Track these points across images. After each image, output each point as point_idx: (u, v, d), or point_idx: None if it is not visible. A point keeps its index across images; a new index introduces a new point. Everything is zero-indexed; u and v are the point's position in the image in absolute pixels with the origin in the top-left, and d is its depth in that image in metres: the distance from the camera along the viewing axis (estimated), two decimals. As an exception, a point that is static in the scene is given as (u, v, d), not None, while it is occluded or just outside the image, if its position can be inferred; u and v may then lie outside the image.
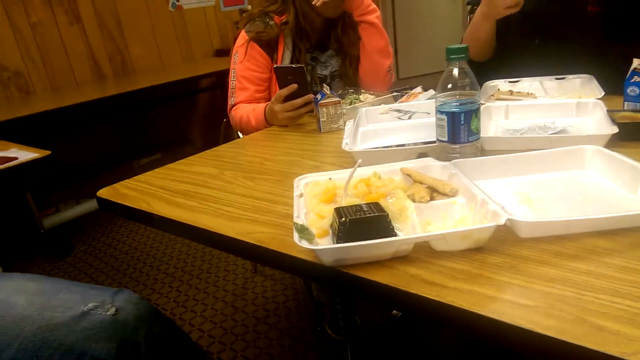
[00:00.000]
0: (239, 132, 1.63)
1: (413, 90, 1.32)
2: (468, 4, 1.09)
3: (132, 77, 3.26)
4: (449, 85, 0.78)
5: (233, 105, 1.53)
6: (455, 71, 0.77)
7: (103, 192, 0.94)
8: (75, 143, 3.13)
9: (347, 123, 1.10)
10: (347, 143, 0.91)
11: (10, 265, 2.44)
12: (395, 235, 0.57)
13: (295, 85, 1.25)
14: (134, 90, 2.70)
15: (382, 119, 0.93)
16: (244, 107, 1.48)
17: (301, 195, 0.71)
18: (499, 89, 1.24)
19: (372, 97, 1.44)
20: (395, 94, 1.41)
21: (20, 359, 0.65)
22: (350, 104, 1.44)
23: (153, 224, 0.83)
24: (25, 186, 2.57)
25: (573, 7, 1.27)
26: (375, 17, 1.48)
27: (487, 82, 1.27)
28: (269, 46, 1.47)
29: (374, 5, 1.48)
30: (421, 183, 0.71)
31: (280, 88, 1.27)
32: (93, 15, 3.16)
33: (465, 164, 0.76)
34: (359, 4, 1.45)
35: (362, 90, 1.49)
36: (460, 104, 0.76)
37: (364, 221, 0.56)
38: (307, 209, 0.67)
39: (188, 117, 3.73)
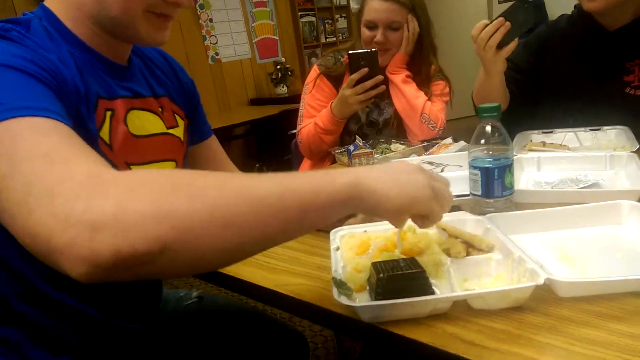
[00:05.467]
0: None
1: (444, 141, 1.34)
2: (498, 47, 1.12)
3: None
4: (482, 141, 0.80)
5: (299, 131, 1.63)
6: (488, 128, 0.79)
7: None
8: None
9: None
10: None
11: None
12: (433, 292, 0.58)
13: (366, 69, 1.32)
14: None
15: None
16: (310, 125, 1.58)
17: (338, 248, 0.73)
18: (531, 140, 1.24)
19: (403, 147, 1.48)
20: (425, 144, 1.44)
21: None
22: (382, 154, 1.48)
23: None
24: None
25: (611, 86, 1.27)
26: (399, 78, 1.55)
27: (520, 133, 1.29)
28: (336, 80, 1.57)
29: (403, 68, 1.56)
30: (456, 238, 0.72)
31: (351, 74, 1.34)
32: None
33: (500, 218, 0.76)
34: (391, 62, 1.54)
35: (393, 140, 1.53)
36: (493, 160, 0.78)
37: (401, 278, 0.58)
38: (344, 262, 0.69)
39: (222, 163, 3.86)
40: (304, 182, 0.49)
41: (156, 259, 0.40)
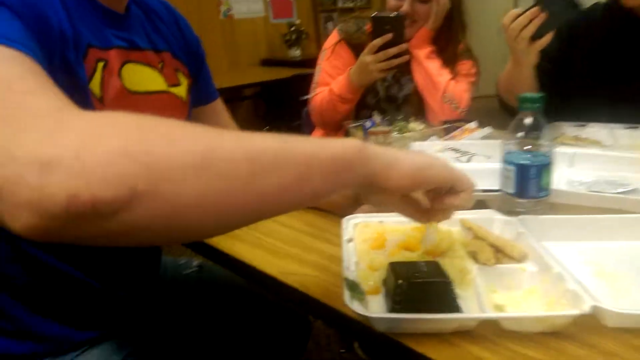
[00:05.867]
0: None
1: (467, 125, 1.25)
2: (533, 39, 1.02)
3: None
4: (520, 134, 0.71)
5: (312, 98, 1.53)
6: (528, 120, 0.70)
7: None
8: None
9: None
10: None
11: None
12: (458, 307, 0.51)
13: (389, 35, 1.21)
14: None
15: (438, 159, 0.87)
16: (324, 91, 1.48)
17: (350, 240, 0.66)
18: (563, 133, 1.15)
19: (422, 126, 1.38)
20: (446, 125, 1.35)
21: None
22: (399, 131, 1.38)
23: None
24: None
25: None
26: (423, 53, 1.44)
27: (552, 124, 1.19)
28: (356, 48, 1.44)
29: (428, 43, 1.45)
30: (483, 240, 0.64)
31: (373, 39, 1.24)
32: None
33: (533, 221, 0.69)
34: (416, 36, 1.43)
35: (412, 118, 1.43)
36: (531, 156, 0.70)
37: (423, 286, 0.51)
38: (358, 257, 0.61)
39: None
40: (305, 141, 0.42)
41: (122, 210, 0.31)
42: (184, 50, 0.81)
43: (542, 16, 0.98)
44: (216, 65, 3.69)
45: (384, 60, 1.24)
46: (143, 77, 0.70)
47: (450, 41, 1.46)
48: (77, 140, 0.32)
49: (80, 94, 0.60)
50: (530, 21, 0.99)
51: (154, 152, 0.33)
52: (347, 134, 1.47)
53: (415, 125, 1.39)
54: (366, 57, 1.26)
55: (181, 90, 0.78)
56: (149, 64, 0.72)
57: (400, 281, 0.51)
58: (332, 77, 1.49)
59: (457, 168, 0.51)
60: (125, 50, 0.68)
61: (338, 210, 0.75)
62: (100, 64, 0.63)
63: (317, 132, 1.64)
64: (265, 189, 0.37)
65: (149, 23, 0.76)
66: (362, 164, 0.44)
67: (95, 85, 0.62)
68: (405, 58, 1.25)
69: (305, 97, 1.62)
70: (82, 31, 0.61)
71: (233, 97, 3.59)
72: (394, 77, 1.52)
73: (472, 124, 1.25)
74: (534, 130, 0.70)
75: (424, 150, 0.51)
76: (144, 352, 0.74)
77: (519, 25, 1.00)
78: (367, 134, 1.14)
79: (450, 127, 1.32)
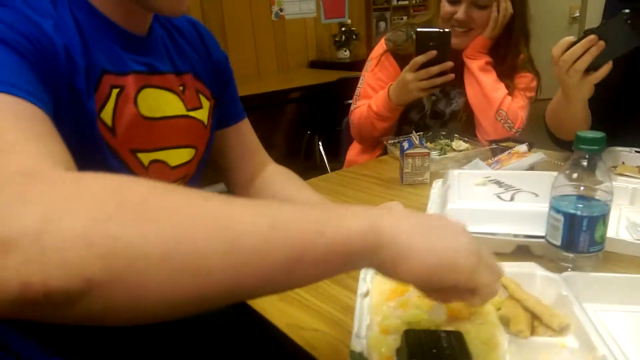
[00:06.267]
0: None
1: (516, 148, 1.14)
2: (587, 70, 0.89)
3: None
4: (574, 176, 0.62)
5: (353, 111, 1.47)
6: (585, 163, 0.61)
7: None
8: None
9: (433, 184, 0.96)
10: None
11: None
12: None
13: (433, 52, 1.13)
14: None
15: (477, 194, 0.79)
16: (363, 106, 1.41)
17: (367, 294, 0.60)
18: (623, 162, 1.02)
19: (467, 145, 1.29)
20: (494, 146, 1.24)
21: None
22: (441, 150, 1.30)
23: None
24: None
25: None
26: (477, 64, 1.32)
27: (607, 149, 1.05)
28: (404, 60, 1.34)
29: (484, 54, 1.33)
30: (519, 301, 0.57)
31: (417, 55, 1.16)
32: (200, 16, 3.29)
33: (580, 280, 0.60)
34: (471, 45, 1.32)
35: (456, 136, 1.34)
36: (585, 205, 0.61)
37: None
38: (371, 316, 0.56)
39: (275, 126, 3.76)
40: (301, 219, 0.35)
41: (76, 302, 0.29)
42: (208, 69, 0.78)
43: (600, 45, 0.84)
44: (266, 68, 3.71)
45: (426, 79, 1.15)
46: (161, 102, 0.68)
47: (509, 52, 1.33)
48: (39, 218, 0.29)
49: (89, 125, 0.58)
50: (586, 51, 0.85)
51: (117, 237, 0.29)
52: (385, 150, 1.40)
53: (460, 144, 1.30)
54: (407, 74, 1.18)
55: (202, 114, 0.75)
56: (168, 88, 0.69)
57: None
58: (375, 90, 1.41)
59: (484, 274, 0.42)
60: (144, 74, 0.66)
61: None
62: (115, 91, 0.61)
63: (355, 146, 1.57)
64: (245, 283, 0.33)
65: (171, 43, 0.73)
66: (367, 256, 0.37)
67: (107, 114, 0.60)
68: (449, 77, 1.15)
69: (349, 101, 1.56)
70: (97, 57, 0.59)
71: (280, 101, 3.59)
72: (443, 90, 1.42)
73: (522, 147, 1.14)
74: (590, 175, 0.60)
75: (455, 228, 0.40)
76: None
77: (572, 56, 0.87)
78: (403, 155, 1.07)
79: (497, 148, 1.22)
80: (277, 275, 0.34)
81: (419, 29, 1.18)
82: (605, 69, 0.87)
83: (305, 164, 3.47)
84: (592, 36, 0.85)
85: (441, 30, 1.15)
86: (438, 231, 0.40)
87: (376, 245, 0.37)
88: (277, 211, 0.35)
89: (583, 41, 0.86)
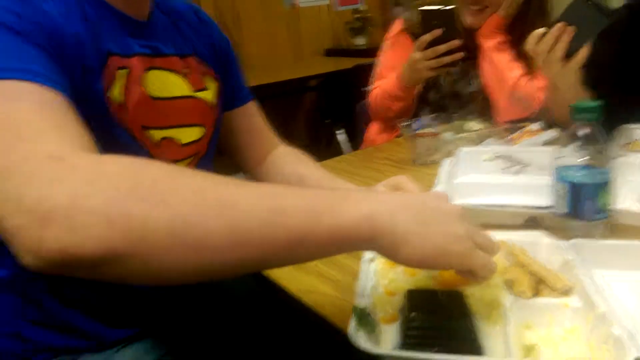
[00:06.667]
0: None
1: (530, 127, 1.14)
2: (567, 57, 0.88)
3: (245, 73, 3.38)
4: (575, 145, 0.63)
5: (370, 92, 1.48)
6: (582, 132, 0.62)
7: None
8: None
9: (442, 162, 0.98)
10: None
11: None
12: (479, 347, 0.46)
13: (439, 31, 1.13)
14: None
15: (485, 169, 0.80)
16: (379, 86, 1.42)
17: (372, 259, 0.62)
18: (636, 139, 1.01)
19: (480, 127, 1.29)
20: (508, 126, 1.24)
21: None
22: (455, 131, 1.30)
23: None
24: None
25: None
26: (491, 43, 1.31)
27: (622, 127, 1.04)
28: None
29: (500, 33, 1.31)
30: (524, 267, 0.58)
31: (422, 34, 1.16)
32: (212, 10, 3.32)
33: (587, 247, 0.61)
34: (485, 24, 1.30)
35: (469, 117, 1.34)
36: (586, 173, 0.61)
37: (438, 328, 0.46)
38: (377, 278, 0.58)
39: (293, 114, 3.78)
40: (301, 204, 0.39)
41: (106, 265, 0.36)
42: (211, 53, 0.81)
43: (570, 30, 0.85)
44: (281, 57, 3.72)
45: (434, 58, 1.15)
46: (167, 83, 0.70)
47: (526, 30, 1.31)
48: (69, 198, 0.36)
49: (96, 104, 0.62)
50: (558, 39, 0.86)
51: (132, 215, 0.35)
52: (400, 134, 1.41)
53: (473, 125, 1.30)
54: (415, 54, 1.18)
55: (208, 95, 0.78)
56: (173, 70, 0.72)
57: (413, 314, 0.47)
58: (391, 70, 1.40)
59: (477, 257, 0.44)
60: (149, 57, 0.68)
61: None
62: (123, 72, 0.64)
63: (374, 126, 1.57)
64: (250, 260, 0.38)
65: (174, 27, 0.76)
66: (365, 241, 0.41)
67: (117, 92, 0.63)
68: (457, 56, 1.15)
69: (366, 88, 1.56)
70: (103, 40, 0.62)
71: (297, 90, 3.60)
72: (463, 71, 1.40)
73: (535, 125, 1.14)
74: (590, 144, 0.61)
75: (453, 218, 0.43)
76: (180, 352, 0.75)
77: (545, 46, 0.88)
78: (414, 136, 1.08)
79: (512, 127, 1.22)
80: (280, 253, 0.38)
81: (421, 7, 1.17)
82: (583, 52, 0.88)
83: (326, 152, 3.49)
84: (560, 24, 0.86)
85: (444, 8, 1.14)
86: (432, 216, 0.43)
87: (372, 234, 0.40)
88: (279, 196, 0.39)
89: (552, 30, 0.87)
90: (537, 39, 0.89)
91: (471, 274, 0.45)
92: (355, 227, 0.40)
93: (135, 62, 0.66)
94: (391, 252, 0.42)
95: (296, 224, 0.38)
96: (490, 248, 0.47)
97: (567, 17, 0.86)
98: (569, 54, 0.88)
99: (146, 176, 0.38)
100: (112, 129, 0.64)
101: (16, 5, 0.52)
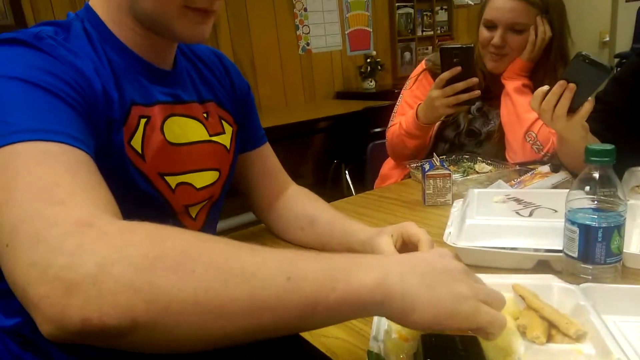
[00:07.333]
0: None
1: (540, 169, 1.15)
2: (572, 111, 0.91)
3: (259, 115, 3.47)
4: (587, 188, 0.64)
5: (389, 128, 1.50)
6: (596, 175, 0.63)
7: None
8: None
9: (454, 204, 0.98)
10: (450, 234, 0.81)
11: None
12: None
13: (458, 68, 1.15)
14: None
15: (496, 211, 0.81)
16: (397, 123, 1.44)
17: (386, 302, 0.62)
18: (644, 182, 1.01)
19: (490, 167, 1.30)
20: (518, 167, 1.25)
21: None
22: (464, 173, 1.31)
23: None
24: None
25: None
26: (513, 85, 1.34)
27: (630, 169, 1.05)
28: None
29: (522, 76, 1.35)
30: (537, 311, 0.58)
31: (442, 72, 1.18)
32: (231, 53, 3.45)
33: (598, 291, 0.61)
34: (509, 67, 1.34)
35: (479, 158, 1.36)
36: (599, 216, 0.62)
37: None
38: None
39: (303, 155, 3.84)
40: (316, 272, 0.41)
41: (126, 335, 0.36)
42: (231, 97, 0.84)
43: (572, 87, 0.88)
44: (294, 100, 3.83)
45: (452, 95, 1.18)
46: (185, 128, 0.73)
47: (546, 75, 1.33)
48: (97, 266, 0.37)
49: (118, 153, 0.64)
50: (561, 96, 0.89)
51: (158, 285, 0.37)
52: (409, 173, 1.43)
53: (482, 166, 1.31)
54: (433, 91, 1.21)
55: (225, 139, 0.81)
56: (192, 116, 0.75)
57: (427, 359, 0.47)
58: (411, 108, 1.44)
59: (484, 315, 0.45)
60: (169, 104, 0.71)
61: None
62: (143, 120, 0.67)
63: (389, 163, 1.59)
64: (263, 327, 0.39)
65: (195, 72, 0.79)
66: (376, 308, 0.42)
67: (136, 141, 0.66)
68: (475, 93, 1.17)
69: (376, 129, 1.59)
70: (127, 90, 0.65)
71: (308, 131, 3.67)
72: (481, 109, 1.44)
73: (545, 168, 1.15)
74: (603, 186, 0.62)
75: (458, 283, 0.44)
76: None
77: (549, 104, 0.90)
78: (425, 177, 1.10)
79: (522, 169, 1.23)
80: (293, 321, 0.40)
81: (442, 46, 1.20)
82: (587, 107, 0.90)
83: (332, 192, 3.52)
84: (561, 81, 0.89)
85: (463, 45, 1.17)
86: (438, 278, 0.45)
87: (384, 300, 0.42)
88: (295, 263, 0.41)
89: (554, 88, 0.89)
90: (541, 97, 0.92)
91: (481, 331, 0.45)
92: (366, 294, 0.41)
93: (156, 110, 0.69)
94: (401, 317, 0.43)
95: (310, 291, 0.40)
96: (496, 303, 0.47)
97: (568, 75, 0.89)
98: (573, 109, 0.90)
99: (173, 245, 0.39)
100: (130, 175, 0.66)
101: (53, 65, 0.55)
